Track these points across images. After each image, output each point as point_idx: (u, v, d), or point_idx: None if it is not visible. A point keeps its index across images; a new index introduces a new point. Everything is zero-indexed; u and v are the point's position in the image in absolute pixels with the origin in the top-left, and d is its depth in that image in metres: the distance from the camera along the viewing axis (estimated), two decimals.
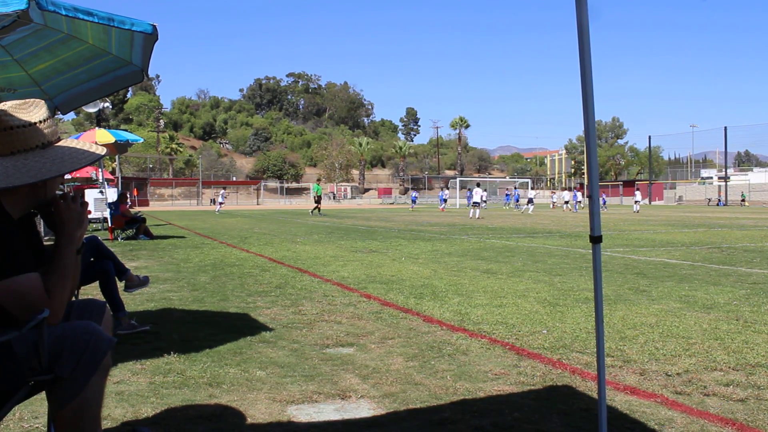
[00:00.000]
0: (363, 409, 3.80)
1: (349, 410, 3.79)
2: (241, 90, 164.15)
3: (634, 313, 6.63)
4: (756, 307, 6.93)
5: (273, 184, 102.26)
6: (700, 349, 5.12)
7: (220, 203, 48.88)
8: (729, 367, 4.61)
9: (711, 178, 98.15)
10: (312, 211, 37.37)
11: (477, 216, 32.46)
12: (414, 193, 59.91)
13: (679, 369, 4.58)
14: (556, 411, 3.77)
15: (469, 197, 50.84)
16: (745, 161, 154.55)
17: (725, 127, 79.13)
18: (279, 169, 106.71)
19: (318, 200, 38.01)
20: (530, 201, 33.67)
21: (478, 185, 36.58)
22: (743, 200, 69.57)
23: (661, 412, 3.74)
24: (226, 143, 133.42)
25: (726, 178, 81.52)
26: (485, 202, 35.67)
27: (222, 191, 52.65)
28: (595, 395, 3.94)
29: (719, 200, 76.28)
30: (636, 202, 46.48)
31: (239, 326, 6.03)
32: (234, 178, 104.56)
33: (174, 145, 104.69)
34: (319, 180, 44.49)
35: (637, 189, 50.62)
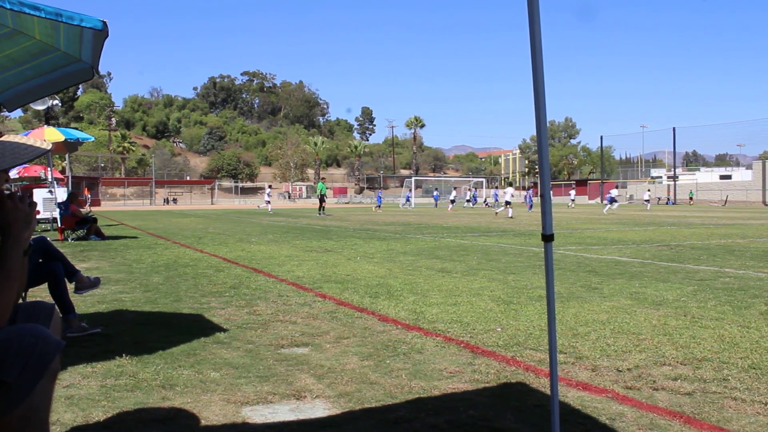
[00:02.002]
0: (318, 409, 3.80)
1: (304, 410, 3.78)
2: (195, 88, 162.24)
3: (587, 310, 6.74)
4: (703, 303, 7.10)
5: (227, 183, 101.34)
6: (650, 345, 5.23)
7: (267, 201, 45.06)
8: (677, 362, 4.72)
9: (660, 177, 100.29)
10: (319, 212, 36.24)
11: (509, 215, 32.45)
12: (379, 192, 59.34)
13: (629, 364, 4.67)
14: (510, 408, 3.81)
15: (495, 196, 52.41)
16: (693, 161, 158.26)
17: (674, 128, 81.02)
18: (233, 168, 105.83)
19: (322, 199, 36.84)
20: (507, 203, 33.78)
21: (510, 185, 36.90)
22: (691, 199, 71.18)
23: (612, 407, 3.81)
24: (179, 142, 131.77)
25: (675, 178, 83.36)
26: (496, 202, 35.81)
27: (268, 189, 47.89)
28: (548, 391, 3.99)
29: (668, 199, 77.94)
30: (572, 200, 50.60)
31: (193, 327, 5.97)
32: (188, 178, 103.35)
33: (126, 144, 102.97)
34: (323, 179, 43.19)
35: (572, 188, 54.67)
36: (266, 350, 5.12)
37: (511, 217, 31.66)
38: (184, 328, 5.92)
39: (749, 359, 4.79)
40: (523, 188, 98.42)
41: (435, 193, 66.61)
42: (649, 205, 51.72)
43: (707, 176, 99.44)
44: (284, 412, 3.75)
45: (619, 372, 4.49)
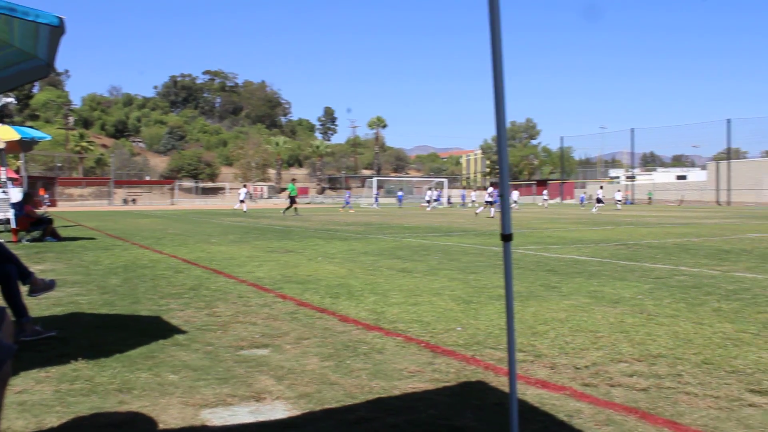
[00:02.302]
0: (278, 411, 3.78)
1: (264, 412, 3.76)
2: (155, 87, 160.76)
3: (546, 308, 6.82)
4: (658, 301, 7.24)
5: (188, 183, 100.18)
6: (607, 342, 5.31)
7: (241, 201, 43.94)
8: (633, 359, 4.81)
9: (619, 177, 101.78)
10: (285, 211, 35.88)
11: (491, 214, 32.69)
12: (348, 193, 57.52)
13: (587, 362, 4.74)
14: (470, 406, 3.84)
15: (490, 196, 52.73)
16: (650, 162, 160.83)
17: (632, 129, 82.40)
18: (194, 168, 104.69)
19: (293, 200, 36.13)
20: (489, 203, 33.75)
21: (492, 185, 36.82)
22: (650, 199, 72.41)
23: (570, 404, 3.86)
24: (139, 142, 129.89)
25: (633, 178, 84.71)
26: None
27: (243, 189, 46.12)
28: (507, 390, 4.03)
29: (626, 199, 79.17)
30: (545, 200, 50.35)
31: (151, 329, 5.90)
32: (148, 178, 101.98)
33: (84, 143, 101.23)
34: (294, 180, 42.13)
35: (545, 189, 54.60)
36: (226, 352, 5.08)
37: (493, 217, 31.88)
38: (142, 331, 5.85)
39: (702, 355, 4.90)
40: (484, 188, 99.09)
41: (399, 193, 66.70)
42: (620, 204, 51.91)
43: (664, 176, 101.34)
44: (244, 414, 3.73)
45: (577, 369, 4.56)
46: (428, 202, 53.87)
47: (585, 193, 74.44)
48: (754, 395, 3.98)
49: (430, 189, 57.35)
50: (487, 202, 34.46)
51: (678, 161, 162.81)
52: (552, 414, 3.70)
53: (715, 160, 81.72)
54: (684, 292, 7.90)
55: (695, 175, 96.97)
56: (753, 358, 4.80)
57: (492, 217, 31.64)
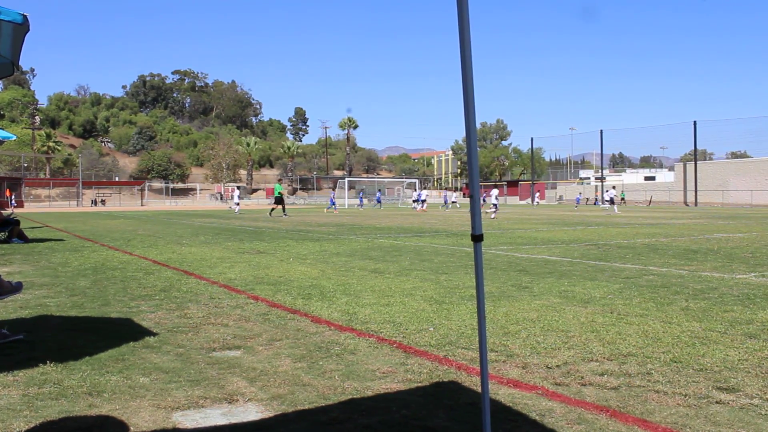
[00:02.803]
0: (250, 413, 3.76)
1: (236, 414, 3.74)
2: (124, 87, 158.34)
3: (517, 308, 6.86)
4: (628, 300, 7.32)
5: (158, 184, 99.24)
6: (578, 342, 5.36)
7: (236, 203, 44.69)
8: (604, 358, 4.86)
9: (589, 178, 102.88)
10: (271, 212, 35.22)
11: (492, 216, 32.26)
12: (332, 193, 55.53)
13: (558, 361, 4.78)
14: (443, 406, 3.86)
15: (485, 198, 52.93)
16: (620, 163, 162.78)
17: (601, 131, 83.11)
18: (164, 169, 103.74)
19: (279, 200, 35.00)
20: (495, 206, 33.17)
21: (495, 187, 36.08)
22: (623, 199, 73.09)
23: (542, 403, 3.89)
24: (108, 142, 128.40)
25: (602, 179, 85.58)
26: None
27: (237, 191, 47.59)
28: (480, 390, 4.05)
29: (596, 199, 79.97)
30: (537, 202, 50.79)
31: (121, 332, 5.84)
32: (117, 178, 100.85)
33: (51, 144, 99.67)
34: (280, 180, 40.90)
35: (538, 190, 54.92)
36: (197, 354, 5.04)
37: (494, 218, 31.51)
38: (112, 333, 5.78)
39: (671, 353, 4.97)
40: (455, 189, 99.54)
41: (378, 194, 66.57)
42: (608, 205, 50.83)
43: (633, 177, 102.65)
44: (216, 417, 3.70)
45: (548, 369, 4.60)
46: (415, 201, 54.40)
47: (580, 193, 74.79)
48: (721, 393, 4.05)
49: (416, 189, 57.75)
50: (494, 204, 33.93)
51: (646, 162, 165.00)
52: (524, 413, 3.72)
53: (683, 161, 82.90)
54: (653, 291, 8.01)
55: (663, 175, 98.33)
56: (720, 356, 4.88)
57: (493, 218, 31.21)
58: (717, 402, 3.88)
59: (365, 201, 62.17)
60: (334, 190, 54.26)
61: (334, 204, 50.89)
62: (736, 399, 3.94)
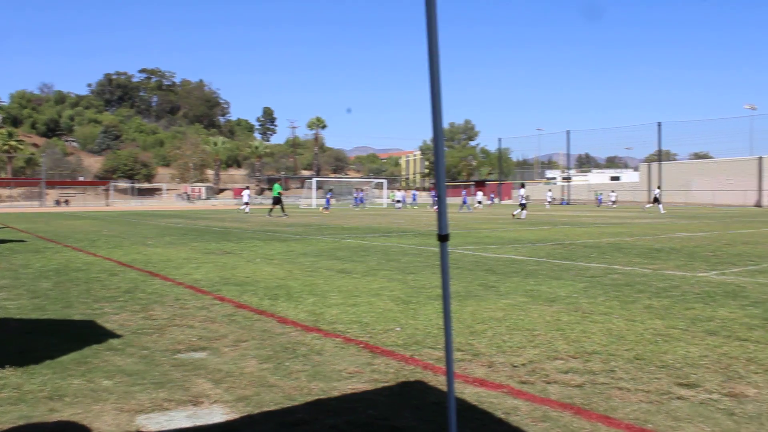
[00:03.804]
0: (216, 415, 3.74)
1: (201, 416, 3.72)
2: (89, 85, 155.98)
3: (484, 308, 6.90)
4: (593, 299, 7.41)
5: (123, 184, 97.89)
6: (544, 340, 5.41)
7: (246, 203, 43.64)
8: (569, 356, 4.92)
9: (555, 178, 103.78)
10: (270, 212, 34.51)
11: (523, 217, 31.04)
12: (329, 194, 53.78)
13: (524, 360, 4.82)
14: (409, 406, 3.87)
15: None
16: (586, 163, 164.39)
17: (568, 131, 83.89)
18: (130, 168, 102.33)
19: (277, 200, 34.35)
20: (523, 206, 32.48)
21: (523, 186, 34.48)
22: (598, 200, 73.72)
23: (507, 401, 3.92)
24: (72, 141, 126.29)
25: (569, 179, 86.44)
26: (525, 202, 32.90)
27: (247, 191, 45.63)
28: (446, 389, 4.07)
29: (563, 199, 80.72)
30: (479, 202, 51.31)
31: (84, 334, 5.76)
32: (81, 178, 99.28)
33: (13, 142, 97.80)
34: (279, 180, 39.24)
35: (479, 190, 55.90)
36: (162, 356, 5.00)
37: (524, 218, 30.40)
38: (74, 336, 5.71)
39: (634, 351, 5.04)
40: (423, 189, 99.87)
41: (360, 193, 66.07)
42: (650, 205, 50.55)
43: (599, 177, 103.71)
44: (181, 419, 3.67)
45: (514, 367, 4.63)
46: (398, 201, 54.72)
47: (602, 193, 75.17)
48: (682, 388, 4.12)
49: (398, 190, 58.01)
50: (521, 204, 32.37)
51: (612, 162, 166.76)
52: (490, 412, 3.75)
53: (647, 162, 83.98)
54: (617, 290, 8.11)
55: (628, 176, 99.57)
56: (682, 353, 4.96)
57: (523, 219, 30.14)
58: (678, 398, 3.95)
59: (332, 201, 61.74)
60: (331, 190, 53.18)
61: (329, 204, 49.78)
62: (696, 394, 4.01)
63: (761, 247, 14.32)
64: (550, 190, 67.08)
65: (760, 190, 66.42)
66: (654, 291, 8.01)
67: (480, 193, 55.15)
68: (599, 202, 63.54)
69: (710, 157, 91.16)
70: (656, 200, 45.21)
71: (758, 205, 64.48)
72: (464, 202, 49.31)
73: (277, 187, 35.27)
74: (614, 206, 59.61)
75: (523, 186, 33.85)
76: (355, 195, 61.46)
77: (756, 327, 5.91)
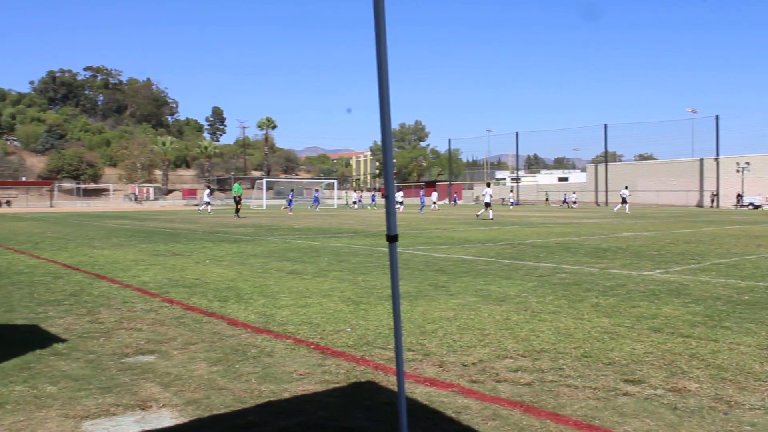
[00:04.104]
0: (165, 419, 3.69)
1: (150, 421, 3.66)
2: (31, 82, 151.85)
3: (434, 308, 6.94)
4: (542, 298, 7.51)
5: (68, 184, 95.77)
6: (493, 339, 5.47)
7: (207, 203, 43.79)
8: (518, 354, 4.97)
9: (504, 179, 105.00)
10: (236, 214, 33.94)
11: (491, 216, 30.93)
12: (290, 194, 52.87)
13: (474, 359, 4.86)
14: (360, 407, 3.87)
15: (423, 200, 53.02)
16: (534, 164, 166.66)
17: (517, 132, 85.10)
18: (75, 168, 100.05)
19: (238, 201, 34.19)
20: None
21: (489, 185, 33.93)
22: (547, 200, 74.83)
23: (458, 400, 3.95)
24: (14, 140, 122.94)
25: (518, 180, 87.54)
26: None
27: (207, 191, 46.14)
28: (397, 389, 4.08)
29: (512, 201, 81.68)
30: (434, 202, 51.45)
31: (27, 339, 5.61)
32: (24, 179, 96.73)
33: None
34: (238, 180, 38.27)
35: (435, 190, 56.13)
36: (109, 360, 4.90)
37: (492, 219, 30.42)
38: (17, 341, 5.56)
39: (582, 348, 5.13)
40: (374, 189, 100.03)
41: (316, 193, 65.42)
42: (619, 205, 51.00)
43: (547, 178, 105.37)
44: (128, 425, 3.61)
45: (464, 367, 4.67)
46: (355, 203, 55.11)
47: (566, 193, 75.71)
48: (628, 385, 4.21)
49: (355, 190, 58.38)
50: (486, 204, 32.19)
51: (560, 163, 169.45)
52: (441, 411, 3.77)
53: (594, 163, 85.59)
54: (565, 289, 8.24)
55: (576, 176, 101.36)
56: (628, 350, 5.07)
57: (491, 219, 30.21)
58: (624, 394, 4.03)
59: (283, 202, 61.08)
60: (292, 191, 52.39)
61: (291, 204, 49.22)
62: (642, 390, 4.10)
63: (703, 246, 14.72)
64: (512, 191, 68.22)
65: (701, 190, 68.26)
66: (601, 290, 8.16)
67: (435, 194, 55.61)
68: (564, 202, 65.06)
69: (654, 159, 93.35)
70: (624, 201, 45.94)
71: (700, 205, 66.28)
72: (422, 203, 49.80)
73: (236, 187, 35.01)
74: (575, 206, 62.55)
75: (489, 186, 33.91)
76: (315, 195, 61.02)
77: (698, 324, 6.07)
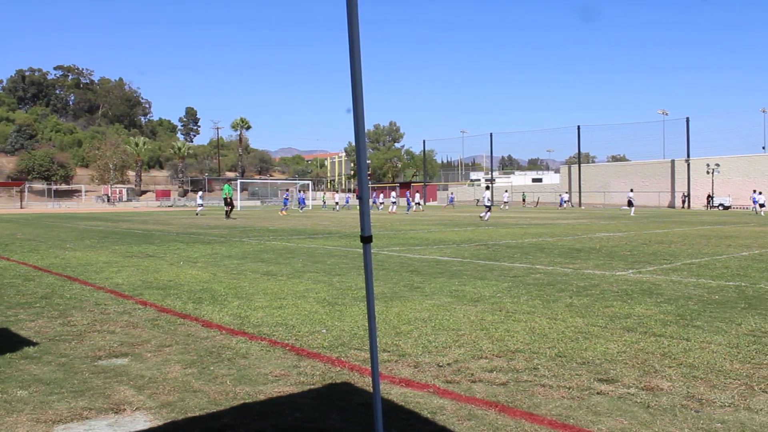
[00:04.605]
0: (139, 422, 3.65)
1: (123, 424, 3.62)
2: (0, 81, 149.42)
3: (409, 308, 6.96)
4: (516, 298, 7.56)
5: (39, 185, 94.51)
6: (468, 340, 5.49)
7: (200, 205, 43.90)
8: (493, 355, 5.00)
9: (479, 180, 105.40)
10: (228, 215, 33.81)
11: (486, 218, 30.97)
12: (286, 194, 51.85)
13: (449, 359, 4.88)
14: (336, 408, 3.86)
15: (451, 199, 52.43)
16: (508, 165, 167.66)
17: (491, 134, 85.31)
18: (46, 169, 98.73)
19: (229, 202, 33.93)
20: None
21: (487, 188, 33.69)
22: (524, 200, 75.22)
23: (433, 401, 3.96)
24: None
25: (492, 180, 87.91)
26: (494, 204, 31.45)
27: (200, 193, 46.64)
28: (372, 390, 4.09)
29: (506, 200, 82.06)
30: (417, 203, 51.52)
31: None
32: None
33: None
34: (229, 181, 37.43)
35: (417, 191, 56.29)
36: (81, 363, 4.85)
37: (486, 220, 30.43)
38: None
39: (556, 348, 5.17)
40: (349, 190, 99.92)
41: (301, 195, 64.59)
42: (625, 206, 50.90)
43: (521, 179, 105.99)
44: (101, 428, 3.57)
45: (439, 367, 4.68)
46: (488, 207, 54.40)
47: (561, 194, 75.95)
48: (602, 384, 4.25)
49: (338, 191, 57.86)
50: (486, 206, 32.18)
51: (534, 165, 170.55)
52: (416, 412, 3.78)
53: (568, 164, 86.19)
54: (540, 289, 8.30)
55: (550, 177, 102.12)
56: (601, 350, 5.11)
57: (486, 220, 30.22)
58: (598, 393, 4.07)
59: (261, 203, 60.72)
60: (287, 190, 51.53)
61: (287, 204, 48.85)
62: (615, 389, 4.14)
63: (674, 247, 14.90)
64: (506, 191, 68.73)
65: (672, 191, 69.06)
66: (575, 290, 8.23)
67: (417, 195, 55.68)
68: (561, 203, 65.66)
69: (627, 160, 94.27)
70: (630, 203, 45.86)
71: (671, 206, 67.07)
72: (408, 204, 49.89)
73: (227, 188, 34.72)
74: (565, 206, 64.46)
75: (488, 188, 33.90)
76: (299, 196, 60.47)
77: (670, 323, 6.14)
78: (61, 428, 3.56)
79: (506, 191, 70.80)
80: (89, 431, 3.53)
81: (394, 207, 51.12)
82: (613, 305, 7.10)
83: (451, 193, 66.36)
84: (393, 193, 57.50)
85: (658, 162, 72.33)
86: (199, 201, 44.71)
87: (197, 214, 40.91)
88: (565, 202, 66.24)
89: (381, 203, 58.68)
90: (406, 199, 52.58)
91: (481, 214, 32.43)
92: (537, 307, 6.99)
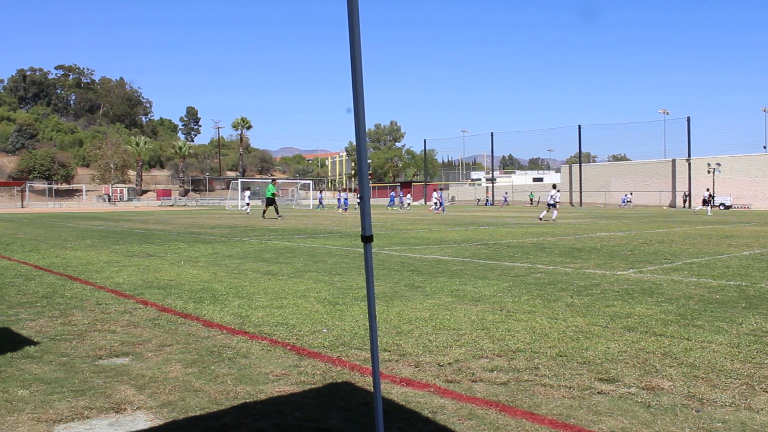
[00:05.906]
0: (139, 422, 3.65)
1: (124, 424, 3.62)
2: (0, 81, 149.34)
3: (410, 308, 6.96)
4: (517, 298, 7.55)
5: (40, 185, 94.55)
6: (469, 339, 5.49)
7: (247, 204, 43.68)
8: (494, 354, 5.00)
9: (480, 179, 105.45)
10: (264, 214, 33.94)
11: (554, 217, 30.78)
12: (320, 195, 51.96)
13: (450, 359, 4.88)
14: (336, 408, 3.86)
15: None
16: (509, 164, 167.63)
17: (492, 133, 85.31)
18: (47, 169, 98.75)
19: (270, 201, 33.35)
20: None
21: (554, 186, 33.13)
22: (531, 200, 75.14)
23: (434, 400, 3.96)
24: None
25: (493, 180, 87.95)
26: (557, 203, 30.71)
27: (247, 192, 46.10)
28: (373, 389, 4.09)
29: (486, 200, 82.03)
30: (408, 204, 51.77)
31: None
32: None
33: None
34: (273, 181, 37.19)
35: (408, 192, 56.22)
36: (82, 362, 4.85)
37: (555, 220, 30.03)
38: None
39: (557, 348, 5.17)
40: (347, 190, 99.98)
41: (319, 195, 64.48)
42: (700, 206, 50.10)
43: (522, 179, 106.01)
44: (102, 428, 3.57)
45: (440, 367, 4.68)
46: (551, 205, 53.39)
47: (506, 193, 75.37)
48: (603, 383, 4.24)
49: (342, 190, 57.66)
50: (549, 204, 31.54)
51: (535, 164, 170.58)
52: (417, 411, 3.78)
53: (568, 164, 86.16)
54: (540, 288, 8.30)
55: (551, 177, 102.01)
56: (602, 349, 5.11)
57: (554, 220, 29.75)
58: (599, 392, 4.07)
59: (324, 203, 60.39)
60: (321, 192, 51.37)
61: (322, 204, 48.41)
62: (616, 389, 4.14)
63: (675, 246, 14.90)
64: (556, 188, 68.20)
65: (673, 191, 69.07)
66: (575, 289, 8.23)
67: (435, 194, 55.15)
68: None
69: (627, 159, 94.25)
70: (705, 202, 45.41)
71: (672, 205, 67.06)
72: (401, 202, 50.12)
73: (270, 188, 34.37)
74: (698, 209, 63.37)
75: (554, 187, 33.50)
76: (319, 197, 60.23)
77: (671, 322, 6.14)
78: (61, 427, 3.56)
79: (556, 188, 70.20)
80: (90, 430, 3.53)
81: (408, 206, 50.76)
82: (613, 305, 7.10)
83: (440, 195, 55.12)
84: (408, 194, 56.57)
85: (659, 161, 72.33)
86: (247, 200, 43.92)
87: (248, 214, 40.51)
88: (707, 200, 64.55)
89: (408, 204, 57.14)
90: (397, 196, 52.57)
91: (541, 214, 31.90)
92: (538, 307, 6.99)
